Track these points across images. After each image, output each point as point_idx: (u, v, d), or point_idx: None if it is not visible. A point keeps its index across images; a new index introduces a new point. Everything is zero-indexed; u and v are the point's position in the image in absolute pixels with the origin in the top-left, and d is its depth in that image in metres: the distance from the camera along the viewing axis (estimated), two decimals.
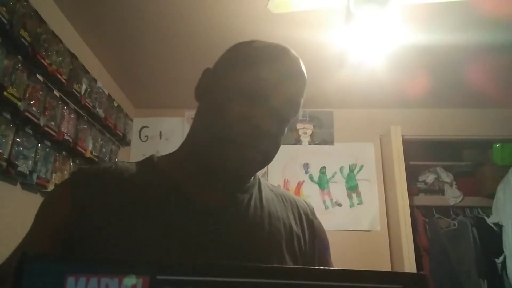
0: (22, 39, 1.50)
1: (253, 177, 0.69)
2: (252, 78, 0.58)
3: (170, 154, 0.67)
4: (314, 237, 0.68)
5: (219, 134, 0.56)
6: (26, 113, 1.55)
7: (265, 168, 2.86)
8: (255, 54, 0.60)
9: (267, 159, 0.62)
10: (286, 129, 0.63)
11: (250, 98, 0.57)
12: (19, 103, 1.50)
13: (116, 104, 2.52)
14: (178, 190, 0.59)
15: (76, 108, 2.02)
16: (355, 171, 2.87)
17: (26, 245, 0.56)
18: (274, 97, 0.57)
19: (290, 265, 0.60)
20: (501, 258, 2.59)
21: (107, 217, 0.54)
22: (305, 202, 0.73)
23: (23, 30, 1.51)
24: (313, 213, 0.72)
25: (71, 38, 2.01)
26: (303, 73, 0.63)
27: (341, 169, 2.88)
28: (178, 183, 0.60)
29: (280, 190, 0.73)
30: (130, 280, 0.49)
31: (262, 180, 0.71)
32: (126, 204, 0.56)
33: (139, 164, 0.64)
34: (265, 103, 0.57)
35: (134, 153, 2.92)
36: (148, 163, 0.64)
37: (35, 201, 1.72)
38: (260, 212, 0.63)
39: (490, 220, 2.72)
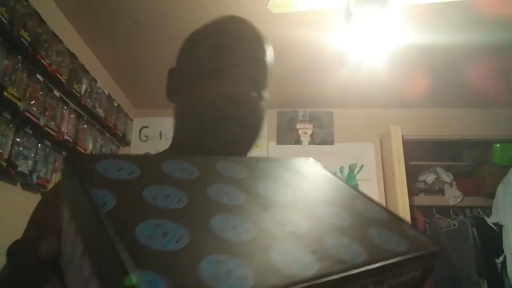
0: (22, 39, 1.50)
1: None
2: (210, 51, 0.57)
3: (163, 151, 0.67)
4: None
5: (199, 117, 0.55)
6: (26, 113, 1.55)
7: None
8: (207, 31, 0.61)
9: (253, 131, 0.58)
10: (265, 94, 0.60)
11: (215, 71, 0.56)
12: (19, 103, 1.50)
13: (116, 104, 2.52)
14: None
15: (76, 108, 2.02)
16: (355, 171, 2.87)
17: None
18: (237, 63, 0.56)
19: None
20: (501, 258, 2.59)
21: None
22: None
23: (23, 30, 1.51)
24: None
25: (71, 38, 2.01)
26: (259, 33, 0.62)
27: (341, 169, 2.88)
28: None
29: None
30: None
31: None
32: None
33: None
34: (231, 71, 0.56)
35: (134, 153, 2.92)
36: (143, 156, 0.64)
37: (35, 201, 1.71)
38: None
39: (490, 220, 2.72)
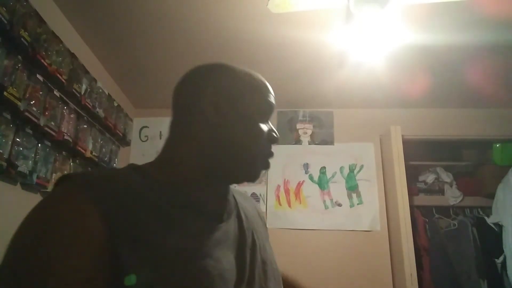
0: (22, 39, 1.50)
1: None
2: (265, 101, 0.71)
3: (151, 165, 0.66)
4: (265, 225, 0.83)
5: (250, 148, 0.67)
6: (26, 113, 1.55)
7: None
8: (257, 82, 0.73)
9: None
10: None
11: (264, 117, 0.71)
12: (19, 103, 1.50)
13: (116, 104, 2.52)
14: (189, 196, 0.64)
15: (76, 108, 2.02)
16: (355, 171, 2.87)
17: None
18: (270, 115, 0.73)
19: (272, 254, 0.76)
20: (501, 258, 2.59)
21: (138, 231, 0.51)
22: (251, 198, 0.89)
23: (23, 30, 1.51)
24: (260, 210, 0.87)
25: (71, 38, 2.01)
26: None
27: (341, 169, 2.88)
28: (188, 192, 0.64)
29: (237, 190, 0.82)
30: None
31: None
32: (147, 217, 0.54)
33: (131, 171, 0.62)
34: (268, 119, 0.72)
35: (134, 153, 2.92)
36: (140, 172, 0.62)
37: (35, 201, 1.71)
38: (243, 211, 0.74)
39: (490, 220, 2.72)
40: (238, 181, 0.70)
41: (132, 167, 0.64)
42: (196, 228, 0.60)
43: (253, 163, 0.69)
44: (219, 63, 0.74)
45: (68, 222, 0.47)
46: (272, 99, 0.73)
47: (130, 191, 0.55)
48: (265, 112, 0.71)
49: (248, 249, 0.67)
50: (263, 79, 0.74)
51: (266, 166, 0.71)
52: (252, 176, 0.69)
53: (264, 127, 0.70)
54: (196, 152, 0.66)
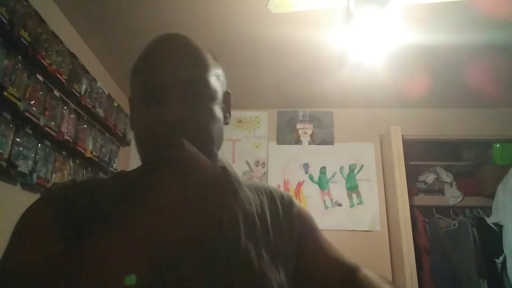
0: (22, 39, 1.50)
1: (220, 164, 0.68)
2: (141, 82, 0.60)
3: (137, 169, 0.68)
4: (293, 225, 0.69)
5: (142, 149, 0.60)
6: (26, 113, 1.54)
7: (265, 168, 2.86)
8: (139, 59, 0.65)
9: (202, 141, 0.57)
10: (212, 110, 0.61)
11: (145, 99, 0.59)
12: (19, 103, 1.49)
13: (116, 104, 2.52)
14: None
15: (76, 108, 2.02)
16: (355, 171, 2.87)
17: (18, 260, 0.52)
18: (169, 85, 0.57)
19: (267, 258, 0.62)
20: (501, 258, 2.59)
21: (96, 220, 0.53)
22: (283, 192, 0.75)
23: (23, 30, 1.51)
24: (291, 201, 0.73)
25: (71, 38, 2.01)
26: (192, 51, 0.62)
27: (341, 169, 2.88)
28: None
29: (255, 184, 0.74)
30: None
31: (235, 176, 0.70)
32: (107, 217, 0.54)
33: (110, 177, 0.67)
34: (163, 96, 0.57)
35: (134, 153, 2.91)
36: (121, 175, 0.66)
37: None
38: (236, 214, 0.64)
39: (490, 220, 2.72)
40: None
41: (116, 174, 0.68)
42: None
43: (146, 155, 0.60)
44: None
45: (28, 218, 0.59)
46: (150, 62, 0.61)
47: (88, 195, 0.59)
48: (142, 89, 0.60)
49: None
50: (153, 41, 0.64)
51: (158, 159, 0.55)
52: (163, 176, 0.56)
53: (143, 112, 0.59)
54: None
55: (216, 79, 0.64)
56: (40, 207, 0.59)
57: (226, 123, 0.67)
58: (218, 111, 0.62)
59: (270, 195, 0.72)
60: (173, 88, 0.57)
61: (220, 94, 0.64)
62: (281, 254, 0.64)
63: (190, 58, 0.61)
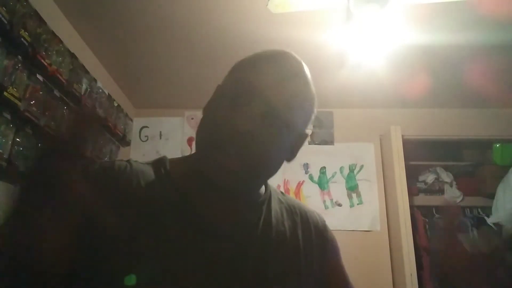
0: (22, 39, 1.50)
1: (264, 191, 0.67)
2: (235, 81, 0.58)
3: (182, 160, 0.66)
4: (324, 252, 0.68)
5: (204, 141, 0.57)
6: (26, 113, 1.55)
7: None
8: (247, 60, 0.61)
9: (249, 165, 0.55)
10: (285, 135, 0.58)
11: (232, 101, 0.56)
12: (19, 103, 1.49)
13: (116, 104, 2.52)
14: (190, 207, 0.58)
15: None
16: (355, 171, 2.87)
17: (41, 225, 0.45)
18: (261, 99, 0.55)
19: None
20: None
21: (118, 233, 0.52)
22: (317, 215, 0.73)
23: (23, 30, 1.51)
24: (325, 226, 0.71)
25: (71, 38, 2.01)
26: (301, 75, 0.61)
27: (341, 169, 2.88)
28: (190, 198, 0.58)
29: (292, 202, 0.72)
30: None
31: (273, 192, 0.70)
32: (138, 217, 0.54)
33: (152, 167, 0.62)
34: (248, 105, 0.55)
35: (134, 153, 2.92)
36: (162, 169, 0.62)
37: None
38: (267, 234, 0.62)
39: (490, 220, 2.72)
40: (211, 178, 0.56)
41: (158, 163, 0.63)
42: (185, 245, 0.54)
43: (200, 160, 0.58)
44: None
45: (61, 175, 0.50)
46: (248, 75, 0.57)
47: (132, 187, 0.57)
48: (235, 93, 0.56)
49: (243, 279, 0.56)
50: (267, 53, 0.60)
51: (216, 164, 0.54)
52: (211, 178, 0.55)
53: (225, 112, 0.56)
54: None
55: (305, 119, 0.62)
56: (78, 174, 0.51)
57: (288, 159, 0.64)
58: (288, 143, 0.60)
59: (305, 216, 0.70)
60: (266, 103, 0.55)
61: (300, 132, 0.62)
62: (307, 281, 0.63)
63: (295, 83, 0.59)
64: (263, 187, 0.68)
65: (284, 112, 0.56)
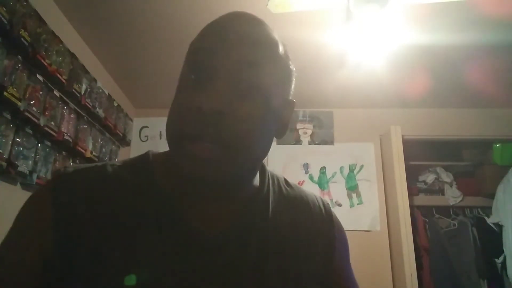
0: (22, 39, 1.50)
1: (260, 183, 0.58)
2: (191, 54, 0.50)
3: (166, 156, 0.57)
4: (331, 252, 0.60)
5: (171, 131, 0.49)
6: (26, 113, 1.54)
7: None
8: (201, 31, 0.52)
9: (227, 150, 0.46)
10: (263, 105, 0.49)
11: (193, 78, 0.48)
12: (19, 103, 1.49)
13: (116, 104, 2.52)
14: (175, 214, 0.51)
15: (76, 108, 2.02)
16: (355, 171, 2.87)
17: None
18: (224, 69, 0.46)
19: None
20: (501, 258, 2.59)
21: (94, 240, 0.47)
22: (323, 205, 0.64)
23: (23, 30, 1.51)
24: (331, 221, 0.62)
25: (71, 38, 2.01)
26: (255, 27, 0.52)
27: (341, 169, 2.88)
28: (174, 203, 0.51)
29: (295, 192, 0.62)
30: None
31: (272, 183, 0.60)
32: (115, 225, 0.49)
33: (133, 167, 0.56)
34: (210, 79, 0.46)
35: (134, 153, 2.90)
36: (143, 168, 0.55)
37: None
38: (264, 240, 0.53)
39: (490, 220, 2.72)
40: (186, 173, 0.47)
41: (142, 161, 0.57)
42: (168, 257, 0.48)
43: (175, 155, 0.49)
44: None
45: (26, 209, 0.52)
46: (202, 44, 0.49)
47: (106, 194, 0.51)
48: (192, 66, 0.49)
49: None
50: (220, 17, 0.53)
51: (184, 154, 0.46)
52: (184, 173, 0.47)
53: (187, 93, 0.48)
54: None
55: (281, 75, 0.52)
56: (42, 193, 0.52)
57: (278, 135, 0.56)
58: (271, 114, 0.50)
59: (310, 212, 0.61)
60: (221, 71, 0.46)
61: (280, 96, 0.52)
62: (314, 282, 0.56)
63: (253, 39, 0.49)
64: (257, 178, 0.58)
65: (252, 75, 0.47)
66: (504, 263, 2.56)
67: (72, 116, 1.95)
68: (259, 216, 0.55)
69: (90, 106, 2.10)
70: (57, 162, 1.83)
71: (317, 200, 0.64)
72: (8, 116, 1.48)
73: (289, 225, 0.56)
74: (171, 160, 0.51)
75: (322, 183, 2.86)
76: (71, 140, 1.91)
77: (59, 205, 0.49)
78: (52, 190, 0.50)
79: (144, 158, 0.57)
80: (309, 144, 2.97)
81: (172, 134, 0.49)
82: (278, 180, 0.62)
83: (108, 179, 0.53)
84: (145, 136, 3.00)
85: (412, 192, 2.87)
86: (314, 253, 0.57)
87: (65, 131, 1.86)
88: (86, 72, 2.10)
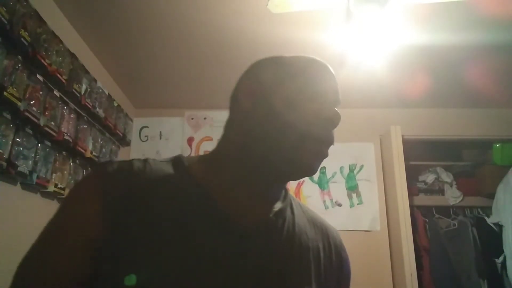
0: (22, 39, 1.50)
1: (285, 194, 0.68)
2: (314, 82, 0.63)
3: (200, 160, 0.65)
4: (340, 269, 0.68)
5: (300, 132, 0.59)
6: (26, 113, 1.55)
7: None
8: (304, 64, 0.66)
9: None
10: None
11: (318, 97, 0.62)
12: (19, 103, 1.49)
13: (116, 104, 2.52)
14: (215, 205, 0.57)
15: (76, 108, 2.02)
16: (355, 171, 2.87)
17: (55, 261, 0.52)
18: (330, 95, 0.64)
19: None
20: (501, 258, 2.59)
21: (141, 232, 0.52)
22: (335, 231, 0.73)
23: (23, 30, 1.51)
24: (341, 244, 0.72)
25: (71, 38, 2.01)
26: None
27: (341, 169, 2.88)
28: (213, 195, 0.58)
29: (312, 214, 0.73)
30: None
31: (293, 199, 0.70)
32: (160, 218, 0.54)
33: (170, 166, 0.61)
34: (327, 100, 0.63)
35: (134, 153, 2.92)
36: (181, 167, 0.61)
37: (35, 201, 1.72)
38: (292, 239, 0.62)
39: (490, 220, 2.72)
40: (283, 176, 0.62)
41: (176, 160, 0.62)
42: (209, 243, 0.54)
43: (293, 149, 0.58)
44: (275, 55, 0.69)
45: (70, 209, 0.55)
46: (324, 80, 0.65)
47: (151, 186, 0.56)
48: (314, 95, 0.61)
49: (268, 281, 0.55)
50: (317, 60, 0.68)
51: (318, 153, 0.61)
52: (295, 166, 0.59)
53: (316, 105, 0.60)
54: (233, 146, 0.62)
55: None
56: (88, 189, 0.55)
57: None
58: None
59: (325, 230, 0.70)
60: (332, 98, 0.65)
61: None
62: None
63: (336, 81, 0.70)
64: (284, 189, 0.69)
65: (339, 104, 0.66)
66: (504, 263, 2.56)
67: (72, 116, 1.95)
68: (287, 220, 0.64)
69: (90, 106, 2.10)
70: (57, 162, 1.83)
71: (334, 229, 0.74)
72: (8, 116, 1.48)
73: (310, 237, 0.65)
74: (287, 155, 0.59)
75: (322, 183, 2.86)
76: (71, 140, 1.91)
77: (108, 196, 0.53)
78: (101, 180, 0.55)
79: (178, 158, 0.64)
80: None
81: (308, 136, 0.59)
82: (293, 196, 0.73)
83: (152, 172, 0.58)
84: (145, 136, 3.00)
85: (412, 192, 2.87)
86: (329, 267, 0.65)
87: (65, 131, 1.86)
88: (86, 72, 2.10)
